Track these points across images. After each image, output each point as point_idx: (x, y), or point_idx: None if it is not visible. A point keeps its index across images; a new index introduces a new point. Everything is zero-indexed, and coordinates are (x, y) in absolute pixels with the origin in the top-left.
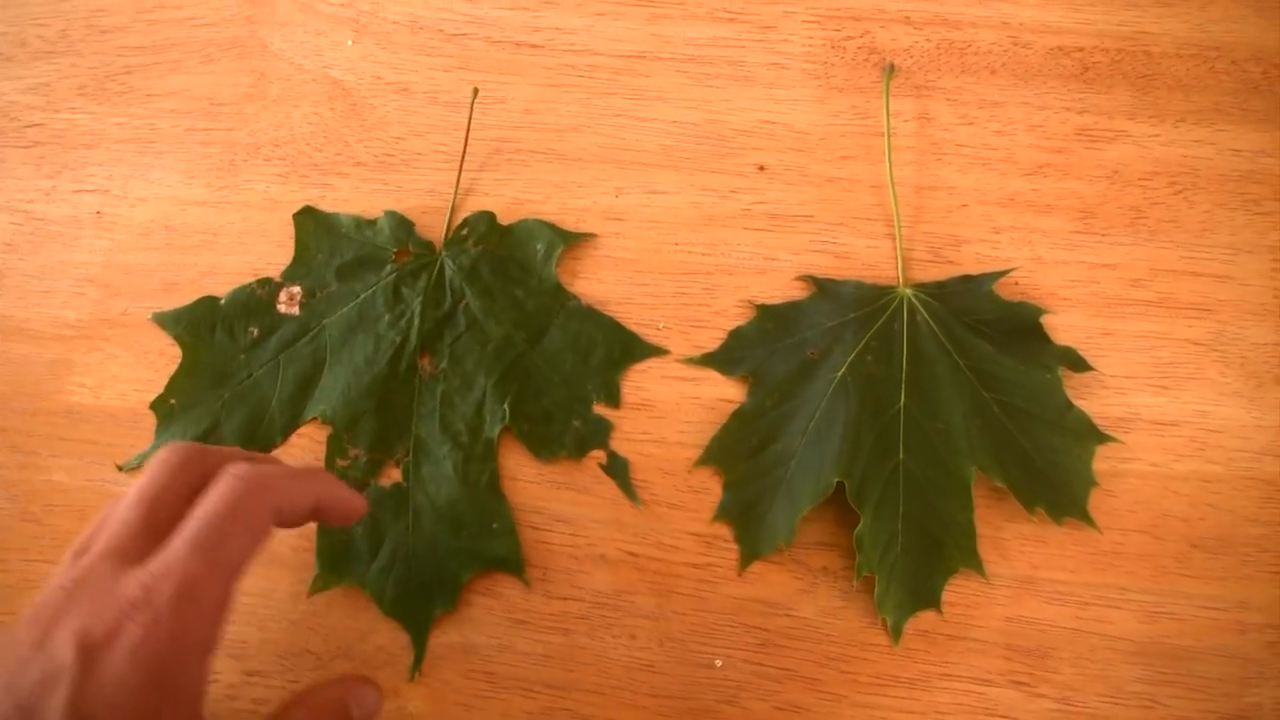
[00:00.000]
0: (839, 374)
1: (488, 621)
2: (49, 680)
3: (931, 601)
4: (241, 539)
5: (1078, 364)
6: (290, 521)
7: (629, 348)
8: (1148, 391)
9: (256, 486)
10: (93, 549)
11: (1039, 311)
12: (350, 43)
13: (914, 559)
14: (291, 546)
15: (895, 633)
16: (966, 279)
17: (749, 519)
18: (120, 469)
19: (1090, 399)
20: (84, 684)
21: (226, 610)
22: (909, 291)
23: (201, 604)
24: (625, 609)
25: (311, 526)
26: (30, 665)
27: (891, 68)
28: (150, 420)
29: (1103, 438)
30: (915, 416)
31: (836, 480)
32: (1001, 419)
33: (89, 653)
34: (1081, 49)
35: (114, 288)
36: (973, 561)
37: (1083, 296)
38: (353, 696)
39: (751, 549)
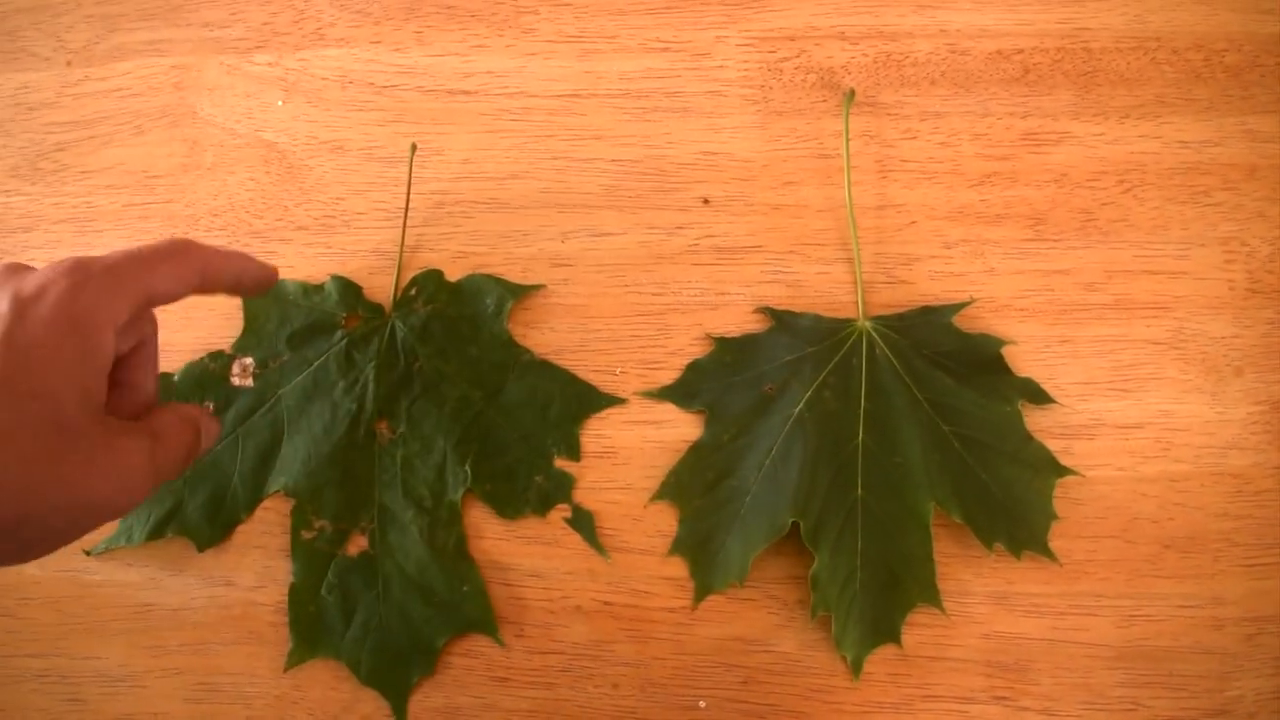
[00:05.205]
0: (796, 410)
1: (469, 682)
2: None
3: (891, 636)
4: (166, 274)
5: (1038, 396)
6: (211, 287)
7: (586, 400)
8: (1110, 396)
9: (189, 245)
10: None
11: (999, 343)
12: (281, 103)
13: (872, 595)
14: (269, 623)
15: (856, 668)
16: (926, 310)
17: (703, 554)
18: (88, 554)
19: (1052, 408)
20: (15, 326)
21: (137, 311)
22: (868, 324)
23: (122, 287)
24: (605, 658)
25: (284, 599)
26: None
27: (851, 93)
28: None
29: (1062, 471)
30: (873, 451)
31: (791, 520)
32: (961, 453)
33: (22, 305)
34: (1021, 51)
35: None
36: (931, 596)
37: (1039, 305)
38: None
39: (705, 583)
